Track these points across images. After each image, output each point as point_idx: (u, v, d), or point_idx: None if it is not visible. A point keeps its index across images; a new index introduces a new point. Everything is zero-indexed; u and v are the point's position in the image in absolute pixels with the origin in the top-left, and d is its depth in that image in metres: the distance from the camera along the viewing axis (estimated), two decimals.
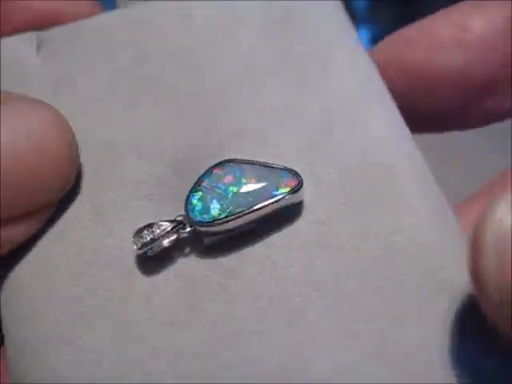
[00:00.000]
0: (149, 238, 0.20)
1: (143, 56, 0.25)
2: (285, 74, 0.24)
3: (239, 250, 0.21)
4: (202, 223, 0.20)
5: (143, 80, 0.24)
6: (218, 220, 0.20)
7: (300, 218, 0.21)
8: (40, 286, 0.21)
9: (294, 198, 0.21)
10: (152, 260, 0.21)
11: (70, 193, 0.22)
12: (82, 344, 0.20)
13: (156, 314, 0.20)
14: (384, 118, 0.23)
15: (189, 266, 0.21)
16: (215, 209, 0.20)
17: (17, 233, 0.21)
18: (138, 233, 0.20)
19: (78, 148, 0.22)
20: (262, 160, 0.21)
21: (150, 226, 0.20)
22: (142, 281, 0.21)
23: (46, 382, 0.19)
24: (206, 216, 0.20)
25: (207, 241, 0.21)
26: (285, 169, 0.21)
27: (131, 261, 0.21)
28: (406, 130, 0.23)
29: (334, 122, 0.23)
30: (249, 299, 0.20)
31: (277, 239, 0.21)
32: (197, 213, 0.20)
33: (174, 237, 0.20)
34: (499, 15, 0.24)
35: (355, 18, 0.62)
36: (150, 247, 0.20)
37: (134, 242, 0.20)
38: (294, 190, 0.20)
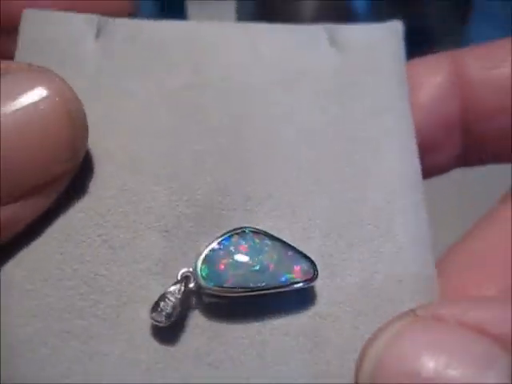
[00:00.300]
0: (170, 309, 0.20)
1: (197, 82, 0.24)
2: (330, 145, 0.23)
3: (235, 319, 0.21)
4: (206, 286, 0.20)
5: (190, 108, 0.23)
6: (221, 288, 0.20)
7: (303, 305, 0.21)
8: (34, 289, 0.21)
9: (306, 286, 0.21)
10: (152, 301, 0.20)
11: (86, 206, 0.22)
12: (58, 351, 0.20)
13: (136, 355, 0.20)
14: (412, 231, 0.22)
15: (181, 318, 0.20)
16: (223, 277, 0.20)
17: (29, 208, 0.20)
18: (155, 308, 0.20)
19: (84, 117, 0.21)
20: (284, 233, 0.21)
21: (163, 297, 0.20)
22: (130, 318, 0.20)
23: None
24: (211, 281, 0.20)
25: (207, 300, 0.21)
26: (304, 256, 0.21)
27: (126, 292, 0.21)
28: (428, 238, 0.23)
29: (364, 215, 0.22)
30: (229, 371, 0.20)
31: (274, 320, 0.21)
32: (204, 274, 0.20)
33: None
34: (430, 82, 0.26)
35: (355, 17, 0.62)
36: (171, 317, 0.20)
37: (155, 319, 0.20)
38: (306, 283, 0.20)
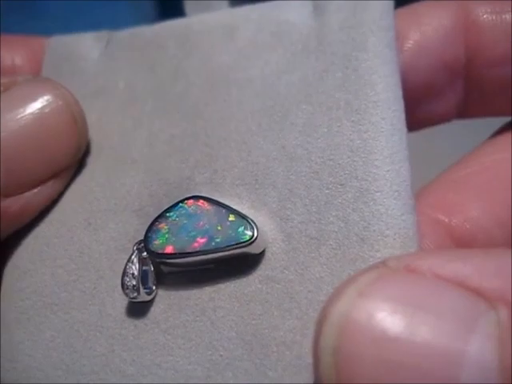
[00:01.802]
0: (134, 281, 0.21)
1: (181, 72, 0.25)
2: (296, 112, 0.23)
3: (191, 286, 0.21)
4: (153, 254, 0.21)
5: (173, 95, 0.25)
6: (166, 255, 0.21)
7: (257, 270, 0.21)
8: (33, 268, 0.24)
9: (246, 250, 0.20)
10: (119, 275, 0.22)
11: (78, 196, 0.24)
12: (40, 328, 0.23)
13: (104, 323, 0.22)
14: (381, 189, 0.21)
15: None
16: (167, 243, 0.21)
17: (40, 197, 0.24)
18: (123, 286, 0.21)
19: (84, 117, 0.24)
20: (244, 200, 0.22)
21: (123, 273, 0.21)
22: (104, 290, 0.22)
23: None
24: (158, 248, 0.21)
25: (165, 269, 0.22)
26: (247, 220, 0.20)
27: (102, 267, 0.23)
28: (406, 195, 0.21)
29: (327, 176, 0.21)
30: (182, 337, 0.21)
31: (227, 287, 0.21)
32: (152, 243, 0.21)
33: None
34: (435, 24, 0.24)
35: None
36: (139, 288, 0.21)
37: (129, 296, 0.21)
38: (243, 245, 0.20)
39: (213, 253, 0.20)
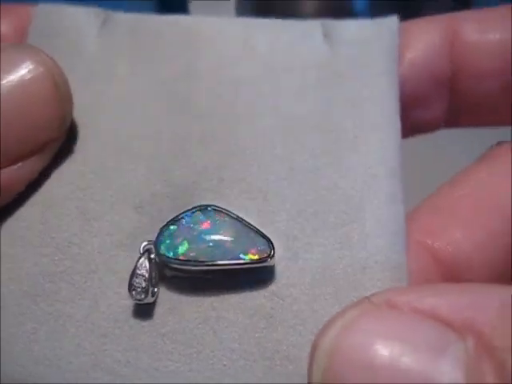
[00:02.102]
0: (144, 284, 0.21)
1: (189, 74, 0.25)
2: (307, 135, 0.24)
3: (193, 293, 0.21)
4: (165, 257, 0.21)
5: (178, 98, 0.25)
6: (180, 260, 0.21)
7: (262, 285, 0.22)
8: (13, 254, 0.22)
9: (261, 265, 0.21)
10: (119, 271, 0.22)
11: (69, 180, 0.23)
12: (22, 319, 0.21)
13: (96, 320, 0.21)
14: (382, 220, 0.22)
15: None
16: (182, 249, 0.21)
17: (25, 170, 0.23)
18: (131, 287, 0.21)
19: (68, 86, 0.23)
20: (252, 215, 0.22)
21: (133, 274, 0.21)
22: (96, 285, 0.22)
23: None
24: (171, 252, 0.21)
25: (169, 273, 0.22)
26: (263, 236, 0.21)
27: (95, 260, 0.22)
28: (401, 228, 0.23)
29: (333, 202, 0.23)
30: (182, 343, 0.21)
31: (230, 297, 0.21)
32: (162, 246, 0.21)
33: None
34: (425, 41, 0.27)
35: (355, 17, 0.63)
36: (148, 290, 0.21)
37: (136, 298, 0.21)
38: (260, 261, 0.21)
39: (228, 265, 0.21)
